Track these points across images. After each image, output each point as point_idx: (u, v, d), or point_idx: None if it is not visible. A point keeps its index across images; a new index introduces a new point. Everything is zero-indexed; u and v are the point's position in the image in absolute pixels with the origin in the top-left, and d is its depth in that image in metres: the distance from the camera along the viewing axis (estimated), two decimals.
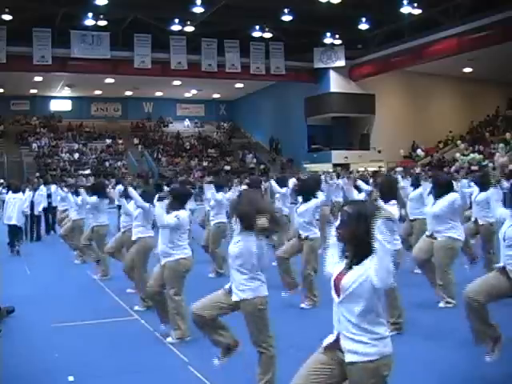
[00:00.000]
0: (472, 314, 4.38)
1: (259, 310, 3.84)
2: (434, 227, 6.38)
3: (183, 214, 5.36)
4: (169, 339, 5.37)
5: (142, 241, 6.59)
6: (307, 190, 6.63)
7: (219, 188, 8.74)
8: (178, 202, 5.38)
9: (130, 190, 6.76)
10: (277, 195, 9.99)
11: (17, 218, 11.13)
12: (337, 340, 2.65)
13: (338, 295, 2.64)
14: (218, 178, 10.59)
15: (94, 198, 8.76)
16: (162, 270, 5.40)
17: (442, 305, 6.33)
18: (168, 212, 5.33)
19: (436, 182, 6.49)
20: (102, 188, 9.13)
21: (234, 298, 3.90)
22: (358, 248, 2.62)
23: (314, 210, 6.57)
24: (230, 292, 3.94)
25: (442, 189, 6.31)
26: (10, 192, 11.48)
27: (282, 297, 6.63)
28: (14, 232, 11.32)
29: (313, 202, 6.50)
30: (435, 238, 6.36)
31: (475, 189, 7.93)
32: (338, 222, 2.72)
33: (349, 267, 2.65)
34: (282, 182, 10.06)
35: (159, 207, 5.32)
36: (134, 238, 6.66)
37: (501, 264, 4.40)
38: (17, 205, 11.15)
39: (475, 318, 4.38)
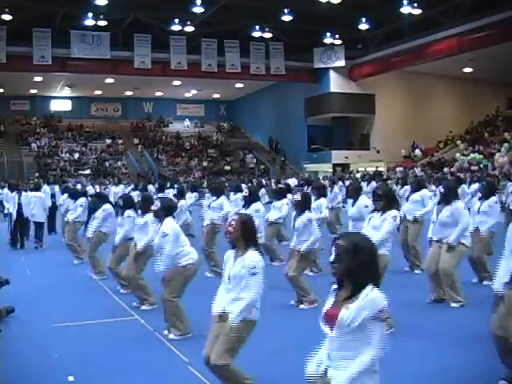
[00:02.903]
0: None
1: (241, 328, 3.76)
2: (441, 234, 6.39)
3: (167, 224, 5.39)
4: (171, 336, 5.41)
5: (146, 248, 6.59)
6: (303, 203, 6.62)
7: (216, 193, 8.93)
8: (162, 212, 5.51)
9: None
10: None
11: (40, 214, 12.12)
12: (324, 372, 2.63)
13: (331, 329, 2.57)
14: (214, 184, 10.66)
15: (101, 213, 8.56)
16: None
17: (454, 304, 6.32)
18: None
19: (444, 189, 6.56)
20: (105, 198, 9.11)
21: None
22: (356, 281, 2.55)
23: (306, 223, 6.49)
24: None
25: (449, 195, 6.43)
26: (29, 191, 12.52)
27: (280, 297, 6.64)
28: (39, 229, 12.29)
29: (305, 216, 6.50)
30: (442, 242, 6.39)
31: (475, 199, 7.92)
32: (332, 257, 2.61)
33: (343, 300, 2.58)
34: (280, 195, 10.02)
35: (152, 230, 5.43)
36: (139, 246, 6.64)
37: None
38: (38, 202, 12.08)
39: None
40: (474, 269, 7.49)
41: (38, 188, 12.91)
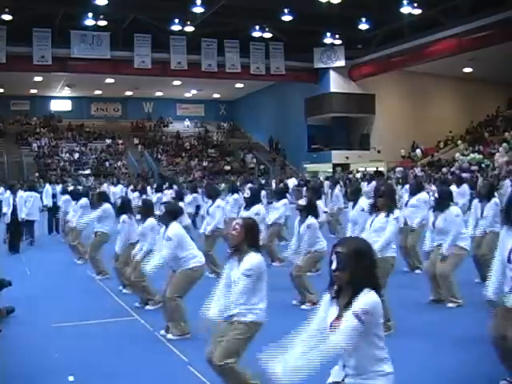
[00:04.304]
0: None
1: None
2: (439, 239, 6.40)
3: (173, 229, 5.38)
4: (169, 335, 5.41)
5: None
6: (307, 209, 6.58)
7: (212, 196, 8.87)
8: (168, 217, 5.50)
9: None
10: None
11: (35, 213, 12.28)
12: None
13: None
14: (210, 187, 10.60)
15: (99, 211, 8.54)
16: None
17: (451, 305, 6.32)
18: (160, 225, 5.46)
19: (439, 195, 6.57)
20: (106, 197, 9.08)
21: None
22: (357, 288, 2.52)
23: (306, 229, 6.46)
24: None
25: (443, 201, 6.42)
26: (21, 190, 12.53)
27: (281, 297, 6.63)
28: (31, 227, 12.46)
29: (307, 222, 6.47)
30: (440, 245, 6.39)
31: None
32: (334, 265, 2.56)
33: (344, 308, 2.56)
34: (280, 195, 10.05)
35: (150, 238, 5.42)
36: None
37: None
38: (33, 202, 12.21)
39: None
40: (478, 268, 7.49)
41: (32, 187, 13.09)
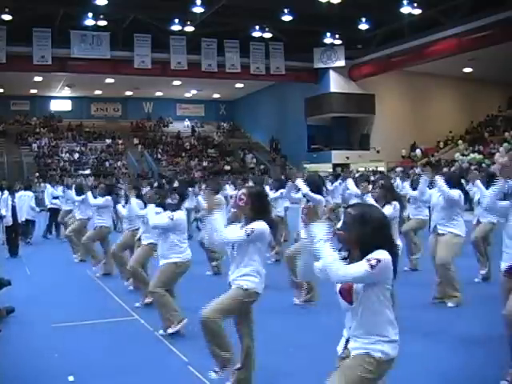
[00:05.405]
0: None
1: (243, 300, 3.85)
2: (438, 219, 6.42)
3: (178, 214, 5.42)
4: (169, 330, 5.41)
5: (153, 245, 6.55)
6: (312, 187, 6.55)
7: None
8: (179, 202, 5.49)
9: (133, 201, 6.77)
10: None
11: (29, 212, 12.52)
12: (347, 345, 2.67)
13: (350, 301, 2.61)
14: (211, 182, 10.61)
15: (103, 200, 8.73)
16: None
17: (451, 304, 6.30)
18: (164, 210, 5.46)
19: (446, 177, 6.60)
20: (112, 190, 9.17)
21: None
22: (362, 251, 2.57)
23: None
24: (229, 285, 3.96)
25: (449, 183, 6.42)
26: (22, 190, 12.84)
27: (280, 297, 6.63)
28: (27, 226, 12.70)
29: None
30: (438, 233, 6.38)
31: (478, 190, 7.91)
32: (340, 224, 2.67)
33: None
34: (279, 185, 10.08)
35: (150, 209, 5.40)
36: (145, 242, 6.63)
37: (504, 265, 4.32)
38: (27, 201, 12.52)
39: None
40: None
41: (28, 187, 13.40)
